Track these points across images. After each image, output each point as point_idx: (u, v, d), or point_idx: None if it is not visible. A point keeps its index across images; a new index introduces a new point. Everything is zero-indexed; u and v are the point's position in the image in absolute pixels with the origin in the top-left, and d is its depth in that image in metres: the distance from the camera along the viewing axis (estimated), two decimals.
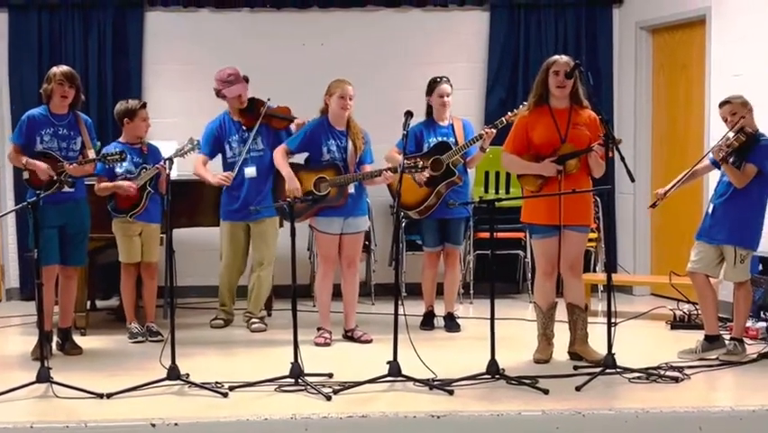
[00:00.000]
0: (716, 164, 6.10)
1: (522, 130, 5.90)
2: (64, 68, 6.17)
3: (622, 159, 5.58)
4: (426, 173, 6.66)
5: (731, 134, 5.90)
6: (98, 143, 6.60)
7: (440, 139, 6.89)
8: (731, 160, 5.87)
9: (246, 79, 7.02)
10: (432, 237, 7.02)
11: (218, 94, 7.02)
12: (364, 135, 6.66)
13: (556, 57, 5.93)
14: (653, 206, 6.23)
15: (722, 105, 6.00)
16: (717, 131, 6.94)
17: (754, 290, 6.37)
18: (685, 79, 8.18)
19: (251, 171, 6.93)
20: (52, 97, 6.09)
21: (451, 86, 6.95)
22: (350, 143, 6.56)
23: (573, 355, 5.95)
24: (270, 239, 7.07)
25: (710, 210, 6.10)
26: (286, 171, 6.52)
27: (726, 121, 5.98)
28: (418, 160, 6.33)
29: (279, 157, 6.62)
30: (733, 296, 6.15)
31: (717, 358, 5.92)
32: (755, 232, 5.99)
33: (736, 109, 5.92)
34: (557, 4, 8.70)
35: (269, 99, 6.94)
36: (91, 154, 6.16)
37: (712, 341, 6.00)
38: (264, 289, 7.14)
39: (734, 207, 5.94)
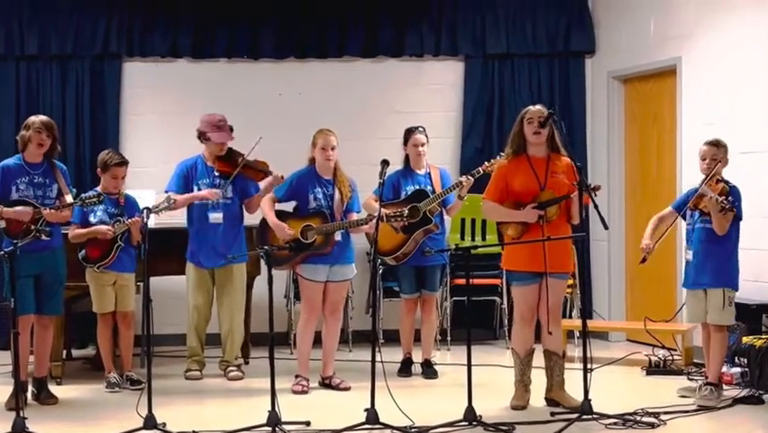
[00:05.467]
0: (679, 211, 6.22)
1: (501, 178, 5.97)
2: (43, 117, 6.19)
3: (596, 207, 5.65)
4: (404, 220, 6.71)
5: (709, 190, 5.95)
6: (74, 190, 6.61)
7: (417, 187, 6.96)
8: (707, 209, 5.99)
9: (231, 129, 7.06)
10: (409, 284, 7.06)
11: (202, 136, 6.98)
12: (351, 183, 6.72)
13: (529, 107, 6.04)
14: (644, 261, 6.22)
15: (710, 144, 6.12)
16: (689, 179, 7.05)
17: (728, 336, 6.43)
18: (657, 128, 8.30)
19: (216, 217, 6.93)
20: (29, 145, 6.09)
21: (426, 135, 7.04)
22: (336, 192, 6.61)
23: (550, 402, 5.96)
24: (238, 286, 7.08)
25: (690, 257, 6.19)
26: (272, 220, 6.53)
27: (704, 160, 6.10)
28: (403, 208, 6.40)
29: (266, 206, 6.64)
30: (707, 340, 6.20)
31: (693, 403, 5.97)
32: (737, 272, 6.12)
33: (719, 155, 6.06)
34: (530, 54, 8.84)
35: (259, 139, 6.90)
36: (68, 200, 6.17)
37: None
38: (238, 336, 7.12)
39: (716, 251, 6.05)
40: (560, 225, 5.88)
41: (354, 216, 6.64)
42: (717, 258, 6.06)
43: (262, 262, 6.62)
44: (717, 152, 6.09)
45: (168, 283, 7.60)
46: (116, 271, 6.70)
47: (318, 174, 6.64)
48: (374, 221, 6.38)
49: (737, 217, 6.00)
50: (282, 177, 6.81)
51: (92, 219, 6.64)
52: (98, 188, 6.73)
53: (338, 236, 6.55)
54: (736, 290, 6.11)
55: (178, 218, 7.23)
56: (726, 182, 6.06)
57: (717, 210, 5.88)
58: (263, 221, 6.72)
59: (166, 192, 6.91)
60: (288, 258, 6.46)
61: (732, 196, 5.96)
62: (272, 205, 6.64)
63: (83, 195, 6.36)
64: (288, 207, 6.73)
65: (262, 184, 7.00)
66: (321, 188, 6.61)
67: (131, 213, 6.66)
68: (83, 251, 6.66)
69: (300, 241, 6.44)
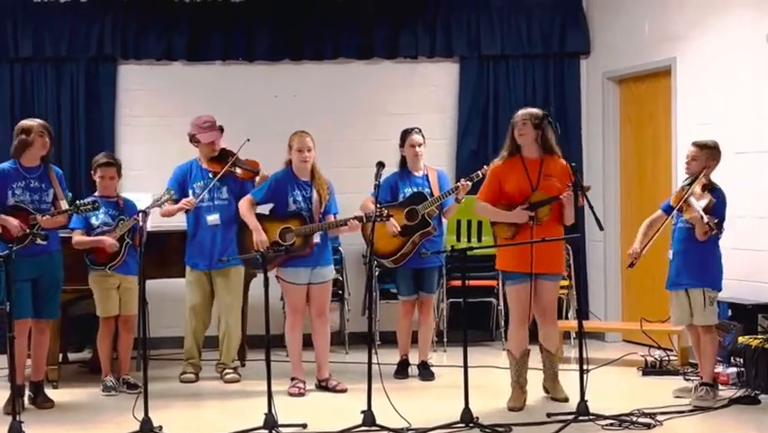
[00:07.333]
0: (667, 212, 6.22)
1: (494, 179, 6.03)
2: (39, 120, 6.19)
3: (591, 208, 5.67)
4: (396, 227, 6.71)
5: (696, 204, 5.95)
6: (69, 194, 6.59)
7: (415, 189, 6.97)
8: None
9: (221, 129, 7.09)
10: (407, 286, 7.06)
11: (192, 138, 7.06)
12: (329, 186, 6.72)
13: (519, 111, 6.12)
14: (631, 265, 6.25)
15: (695, 145, 6.14)
16: (684, 179, 7.05)
17: (723, 336, 6.45)
18: (652, 128, 8.31)
19: (213, 219, 6.95)
20: (30, 149, 6.07)
21: (422, 136, 7.05)
22: (314, 193, 6.62)
23: (546, 389, 6.16)
24: (235, 288, 7.09)
25: (671, 257, 6.20)
26: (252, 223, 6.53)
27: (686, 158, 6.14)
28: (383, 209, 6.36)
29: (245, 208, 6.62)
30: (696, 342, 6.22)
31: (689, 404, 5.98)
32: (720, 273, 6.12)
33: (700, 157, 6.05)
34: (525, 55, 8.84)
35: (246, 140, 6.97)
36: (63, 205, 6.15)
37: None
38: (234, 339, 7.13)
39: (696, 251, 6.05)
40: (551, 227, 5.93)
41: (332, 218, 6.65)
42: (697, 258, 6.06)
43: None
44: (698, 153, 6.10)
45: (165, 286, 7.61)
46: (122, 273, 6.69)
47: (296, 176, 6.63)
48: (354, 222, 6.42)
49: (719, 222, 5.98)
50: (268, 176, 6.82)
51: (94, 222, 6.62)
52: (95, 193, 6.72)
53: (317, 238, 6.55)
54: (718, 290, 6.11)
55: (178, 221, 7.23)
56: (713, 185, 6.06)
57: (699, 227, 5.91)
58: (242, 225, 6.70)
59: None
60: (268, 260, 6.44)
61: (717, 199, 5.97)
62: (251, 208, 6.62)
63: (78, 201, 6.34)
64: (265, 209, 6.73)
65: (257, 180, 7.00)
66: (300, 190, 6.60)
67: (131, 215, 6.65)
68: (90, 255, 6.65)
69: (279, 243, 6.44)
